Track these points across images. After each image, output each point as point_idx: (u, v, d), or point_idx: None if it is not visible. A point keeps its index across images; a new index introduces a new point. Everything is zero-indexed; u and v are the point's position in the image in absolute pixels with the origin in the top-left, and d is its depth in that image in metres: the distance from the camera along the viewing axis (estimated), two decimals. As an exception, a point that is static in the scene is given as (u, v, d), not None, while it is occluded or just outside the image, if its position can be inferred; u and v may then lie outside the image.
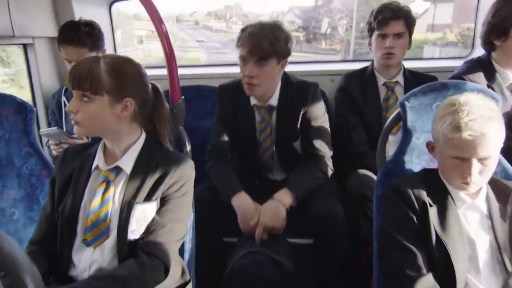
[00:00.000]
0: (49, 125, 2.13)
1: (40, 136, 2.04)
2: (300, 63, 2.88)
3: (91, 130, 1.14)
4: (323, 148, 1.70)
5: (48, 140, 1.92)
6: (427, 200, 1.13)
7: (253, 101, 1.71)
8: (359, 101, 1.97)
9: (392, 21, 1.83)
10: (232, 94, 1.73)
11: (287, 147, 1.75)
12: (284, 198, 1.58)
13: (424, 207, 1.13)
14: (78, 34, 1.83)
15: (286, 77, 1.73)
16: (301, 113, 1.69)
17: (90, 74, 1.07)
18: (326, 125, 1.75)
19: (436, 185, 1.17)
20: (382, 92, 1.97)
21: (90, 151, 1.24)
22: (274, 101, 1.70)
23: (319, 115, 1.72)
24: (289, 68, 2.44)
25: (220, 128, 1.77)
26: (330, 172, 1.70)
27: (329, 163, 1.71)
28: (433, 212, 1.12)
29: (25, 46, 2.05)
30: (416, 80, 1.91)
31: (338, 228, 1.53)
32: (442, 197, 1.14)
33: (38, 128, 2.16)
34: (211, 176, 1.70)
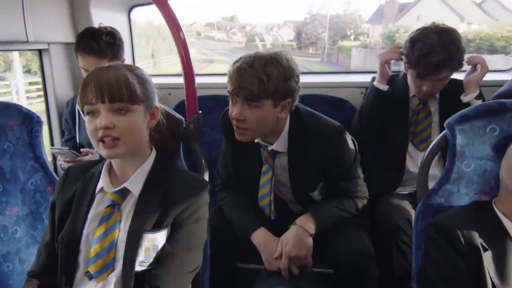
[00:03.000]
0: (63, 134, 2.05)
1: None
2: (327, 73, 2.72)
3: (129, 146, 1.01)
4: (354, 188, 1.49)
5: (55, 156, 1.84)
6: (480, 242, 0.95)
7: (256, 139, 1.46)
8: (387, 105, 1.75)
9: (433, 76, 1.56)
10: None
11: (303, 197, 1.54)
12: (306, 224, 1.41)
13: (476, 252, 0.95)
14: (99, 44, 1.74)
15: (298, 119, 1.44)
16: (320, 164, 1.44)
17: (128, 84, 0.99)
18: (356, 166, 1.50)
19: (490, 223, 0.99)
20: (413, 104, 1.75)
21: (94, 171, 1.12)
22: (280, 146, 1.44)
23: (346, 163, 1.46)
24: (316, 78, 2.34)
25: (227, 161, 1.59)
26: (361, 206, 1.50)
27: (363, 200, 1.51)
28: (488, 257, 0.94)
29: (40, 52, 1.98)
30: (453, 87, 1.68)
31: (366, 273, 1.34)
32: (498, 239, 0.96)
33: (51, 136, 2.09)
34: (224, 210, 1.54)
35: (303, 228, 1.39)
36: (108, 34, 1.79)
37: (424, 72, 1.56)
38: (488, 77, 2.17)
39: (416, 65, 1.57)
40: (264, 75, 1.25)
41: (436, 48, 1.52)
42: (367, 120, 1.77)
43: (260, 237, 1.42)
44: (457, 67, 1.56)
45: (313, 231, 1.40)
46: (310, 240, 1.39)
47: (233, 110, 1.33)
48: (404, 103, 1.75)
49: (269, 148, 1.45)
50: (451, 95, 1.68)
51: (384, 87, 1.72)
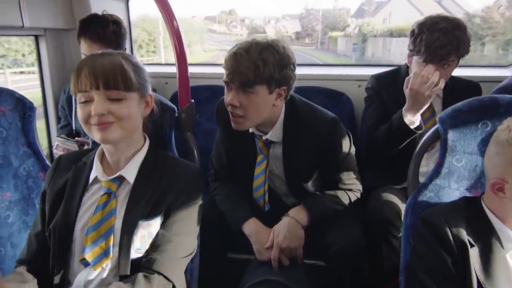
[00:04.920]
0: (59, 120, 2.05)
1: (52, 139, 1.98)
2: (324, 65, 2.70)
3: (124, 132, 1.01)
4: (348, 180, 1.49)
5: (56, 144, 1.84)
6: (467, 238, 0.95)
7: (251, 128, 1.45)
8: (391, 105, 1.70)
9: (441, 60, 1.54)
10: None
11: (297, 188, 1.54)
12: (298, 215, 1.41)
13: (463, 247, 0.94)
14: (106, 32, 1.74)
15: (293, 108, 1.43)
16: (314, 155, 1.43)
17: (124, 72, 0.99)
18: (352, 157, 1.50)
19: (478, 220, 0.98)
20: None
21: (86, 160, 1.13)
22: (275, 136, 1.43)
23: (340, 154, 1.45)
24: (313, 70, 2.33)
25: (221, 151, 1.59)
26: (354, 199, 1.50)
27: (356, 193, 1.51)
28: (474, 254, 0.93)
29: (36, 38, 1.96)
30: (457, 87, 1.67)
31: (356, 264, 1.35)
32: (486, 236, 0.95)
33: (47, 123, 2.09)
34: (216, 200, 1.54)
35: (296, 219, 1.40)
36: (115, 23, 1.79)
37: (432, 57, 1.54)
38: (488, 72, 2.17)
39: (424, 49, 1.55)
40: (260, 60, 1.25)
41: (444, 33, 1.52)
42: (388, 151, 1.70)
43: (251, 227, 1.42)
44: (464, 53, 1.57)
45: (305, 223, 1.40)
46: (302, 232, 1.39)
47: (228, 97, 1.32)
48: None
49: (264, 137, 1.45)
50: (455, 94, 1.64)
51: (418, 123, 1.57)
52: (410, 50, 1.64)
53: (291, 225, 1.39)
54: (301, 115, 1.42)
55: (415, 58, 1.63)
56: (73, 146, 1.74)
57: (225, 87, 1.35)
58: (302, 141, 1.42)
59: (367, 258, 1.38)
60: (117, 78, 0.97)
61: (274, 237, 1.38)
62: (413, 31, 1.62)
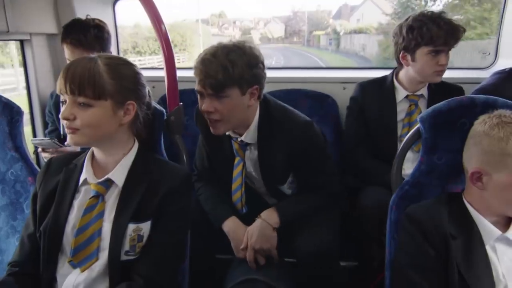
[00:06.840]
0: (46, 125, 2.04)
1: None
2: (310, 68, 2.75)
3: (90, 138, 1.02)
4: (323, 183, 1.50)
5: (37, 148, 1.82)
6: (449, 231, 0.99)
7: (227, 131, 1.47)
8: (373, 115, 1.79)
9: (453, 38, 1.62)
10: None
11: (274, 190, 1.56)
12: (269, 217, 1.43)
13: (445, 240, 0.98)
14: (87, 37, 1.72)
15: (267, 111, 1.44)
16: (287, 158, 1.44)
17: (92, 78, 0.98)
18: (326, 159, 1.51)
19: (460, 213, 1.03)
20: (405, 106, 1.78)
21: (77, 162, 1.13)
22: (249, 137, 1.44)
23: (312, 158, 1.45)
24: (299, 73, 2.37)
25: (203, 154, 1.61)
26: (330, 202, 1.51)
27: (332, 196, 1.52)
28: (456, 246, 0.98)
29: (22, 43, 1.95)
30: (441, 90, 1.74)
31: (325, 268, 1.37)
32: (467, 228, 1.00)
33: (33, 128, 2.07)
34: (200, 200, 1.56)
35: (267, 222, 1.42)
36: (96, 27, 1.77)
37: (450, 37, 1.61)
38: (468, 74, 2.25)
39: (438, 36, 1.60)
40: (228, 62, 1.27)
41: (442, 18, 1.61)
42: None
43: (230, 225, 1.45)
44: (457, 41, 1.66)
45: (276, 225, 1.42)
46: (274, 233, 1.42)
47: (202, 104, 1.34)
48: (392, 107, 1.78)
49: (239, 139, 1.46)
50: (439, 96, 1.70)
51: None
52: (416, 44, 1.65)
53: (263, 227, 1.41)
54: (275, 117, 1.44)
55: (421, 51, 1.65)
56: (49, 144, 1.71)
57: (198, 96, 1.36)
58: (276, 143, 1.43)
59: (356, 255, 1.41)
60: (83, 85, 0.97)
61: (247, 238, 1.41)
62: (410, 27, 1.65)
